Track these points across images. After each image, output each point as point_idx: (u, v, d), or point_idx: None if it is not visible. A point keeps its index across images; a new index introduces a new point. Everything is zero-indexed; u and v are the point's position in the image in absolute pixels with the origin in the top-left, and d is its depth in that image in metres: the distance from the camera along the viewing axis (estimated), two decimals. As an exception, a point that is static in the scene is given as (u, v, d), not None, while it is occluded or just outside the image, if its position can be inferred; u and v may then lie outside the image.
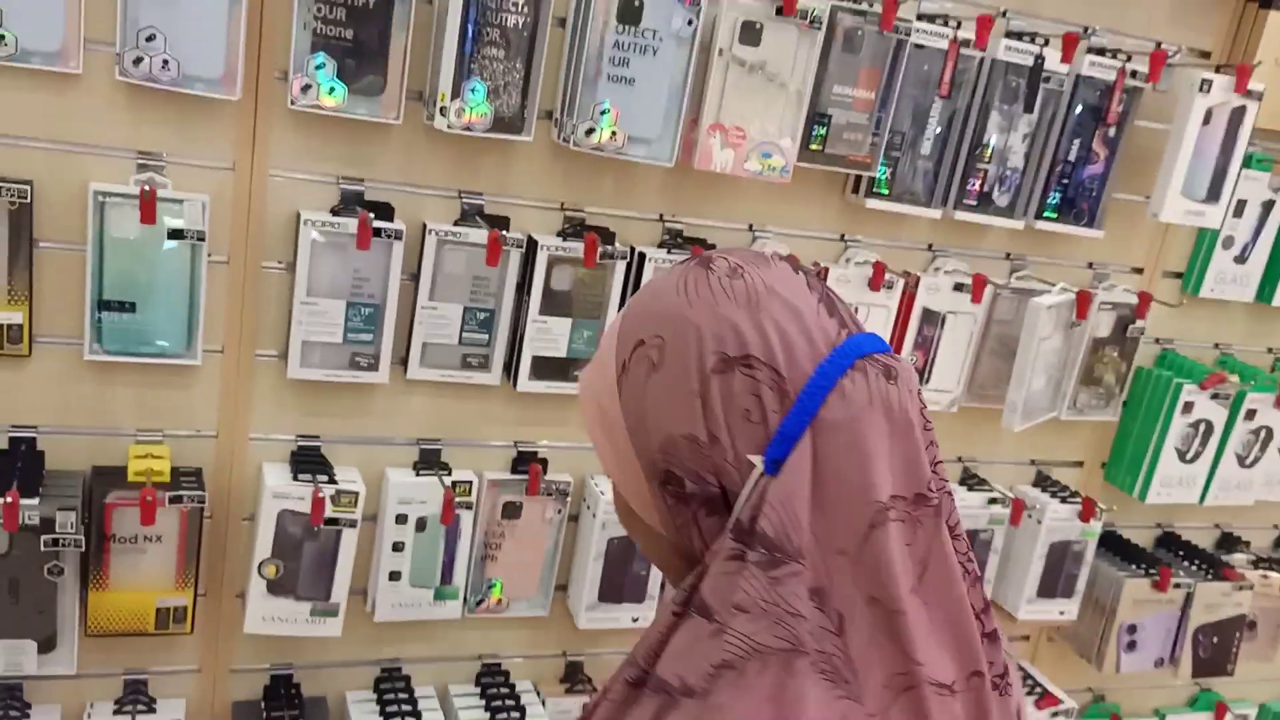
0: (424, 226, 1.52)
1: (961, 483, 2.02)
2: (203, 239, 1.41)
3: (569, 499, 1.73)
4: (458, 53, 1.36)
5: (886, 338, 1.80)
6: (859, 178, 1.70)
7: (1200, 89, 1.72)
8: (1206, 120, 1.76)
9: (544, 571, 1.75)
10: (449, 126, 1.39)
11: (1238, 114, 1.77)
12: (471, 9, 1.35)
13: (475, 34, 1.37)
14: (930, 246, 1.86)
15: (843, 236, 1.80)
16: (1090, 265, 1.98)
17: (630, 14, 1.39)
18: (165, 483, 1.47)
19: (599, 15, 1.40)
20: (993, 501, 1.99)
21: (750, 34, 1.47)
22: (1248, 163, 1.92)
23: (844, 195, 1.76)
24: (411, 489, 1.64)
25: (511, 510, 1.72)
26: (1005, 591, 2.05)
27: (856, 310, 0.92)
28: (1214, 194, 1.81)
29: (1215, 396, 2.02)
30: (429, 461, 1.68)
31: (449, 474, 1.66)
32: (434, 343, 1.59)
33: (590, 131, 1.45)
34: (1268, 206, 1.97)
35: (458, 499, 1.64)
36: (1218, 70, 1.76)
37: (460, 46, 1.36)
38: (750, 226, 1.74)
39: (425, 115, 1.45)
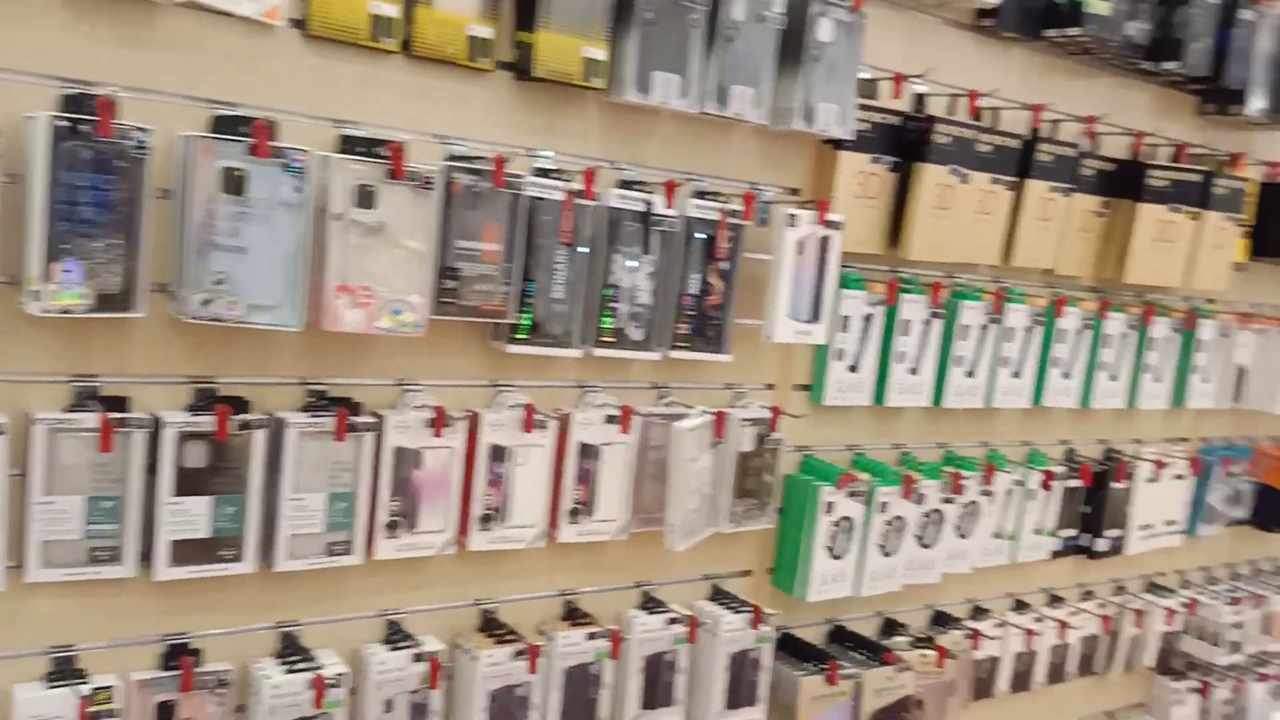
0: (28, 417, 1.41)
1: (641, 607, 2.08)
2: None
3: (230, 689, 1.62)
4: (46, 233, 1.30)
5: (547, 477, 1.85)
6: (501, 325, 1.76)
7: (789, 223, 1.94)
8: (801, 250, 1.99)
9: (207, 774, 1.60)
10: (43, 311, 1.32)
11: (824, 242, 2.00)
12: (58, 188, 1.30)
13: (66, 212, 1.31)
14: (580, 383, 1.94)
15: (495, 382, 1.85)
16: (729, 386, 2.14)
17: (233, 185, 1.39)
18: None
19: (202, 187, 1.39)
20: (673, 622, 2.05)
21: (365, 197, 1.51)
22: (845, 283, 2.17)
23: (489, 343, 1.81)
24: (41, 704, 1.48)
25: (166, 711, 1.58)
26: (694, 709, 2.10)
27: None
28: (816, 314, 2.03)
29: (852, 494, 2.22)
30: (62, 671, 1.52)
31: (86, 682, 1.51)
32: (54, 540, 1.46)
33: (207, 302, 1.42)
34: (867, 320, 2.23)
35: (96, 708, 1.49)
36: (802, 206, 1.99)
37: (49, 226, 1.30)
38: (401, 382, 1.75)
39: (19, 300, 1.37)
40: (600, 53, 1.71)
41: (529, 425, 1.80)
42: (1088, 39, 2.27)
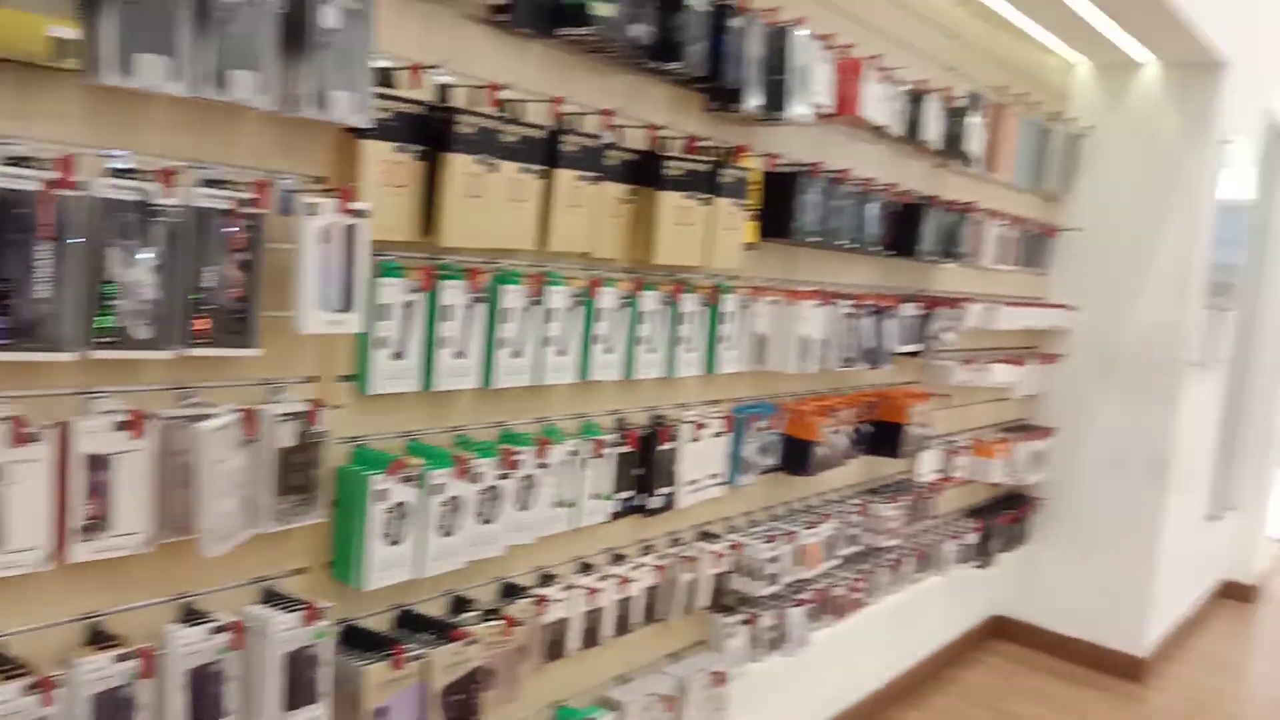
0: None
1: (182, 620, 1.97)
2: None
3: None
4: None
5: (46, 496, 1.70)
6: (-26, 331, 1.59)
7: (309, 212, 1.92)
8: (327, 239, 1.97)
9: None
10: None
11: (351, 231, 2.01)
12: None
13: None
14: (84, 390, 1.80)
15: (-23, 396, 1.66)
16: (266, 381, 2.08)
17: None
18: None
19: None
20: (217, 630, 1.97)
21: None
22: (384, 271, 2.19)
23: (-37, 352, 1.63)
24: None
25: None
26: (250, 716, 2.03)
27: None
28: (349, 303, 2.03)
29: (406, 480, 2.24)
30: None
31: None
32: None
33: None
34: (408, 307, 2.26)
35: None
36: (325, 194, 1.98)
37: None
38: None
39: None
40: (71, 32, 1.59)
41: (17, 439, 1.64)
42: (596, 38, 2.45)
